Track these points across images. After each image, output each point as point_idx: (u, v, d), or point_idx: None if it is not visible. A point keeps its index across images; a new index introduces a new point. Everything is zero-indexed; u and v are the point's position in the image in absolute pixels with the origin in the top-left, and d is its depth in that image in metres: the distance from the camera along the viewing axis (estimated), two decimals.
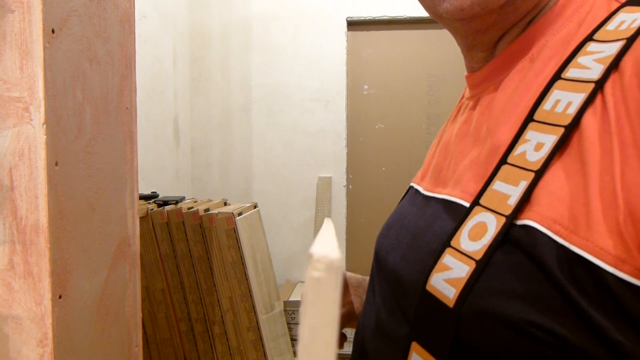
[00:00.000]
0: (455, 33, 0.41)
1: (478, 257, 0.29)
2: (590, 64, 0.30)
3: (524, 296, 0.27)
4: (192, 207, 1.44)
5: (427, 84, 2.43)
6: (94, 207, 0.61)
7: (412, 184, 0.49)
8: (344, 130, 2.44)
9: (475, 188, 0.34)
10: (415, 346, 0.32)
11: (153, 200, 1.54)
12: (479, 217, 0.31)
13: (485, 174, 0.33)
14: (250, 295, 1.41)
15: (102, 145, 0.63)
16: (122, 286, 0.70)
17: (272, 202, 2.48)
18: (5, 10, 0.49)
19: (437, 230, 0.35)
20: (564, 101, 0.30)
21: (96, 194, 0.62)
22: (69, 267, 0.56)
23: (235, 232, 1.40)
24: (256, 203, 1.68)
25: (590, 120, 0.28)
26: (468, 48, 0.42)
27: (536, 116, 0.31)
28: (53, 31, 0.51)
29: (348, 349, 0.57)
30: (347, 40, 2.42)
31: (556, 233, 0.27)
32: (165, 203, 1.50)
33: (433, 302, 0.31)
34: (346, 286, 0.58)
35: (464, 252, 0.30)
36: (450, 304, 0.30)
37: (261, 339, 1.43)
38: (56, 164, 0.53)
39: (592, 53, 0.30)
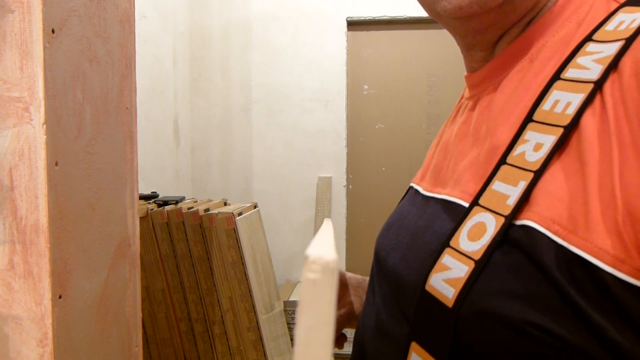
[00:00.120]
0: (454, 32, 0.41)
1: (477, 257, 0.29)
2: (590, 64, 0.30)
3: (523, 296, 0.27)
4: (192, 207, 1.44)
5: (427, 84, 2.44)
6: (94, 207, 0.61)
7: (411, 184, 0.49)
8: (344, 130, 2.44)
9: (475, 188, 0.34)
10: (414, 346, 0.32)
11: (153, 200, 1.54)
12: (478, 217, 0.31)
13: (484, 174, 0.33)
14: (250, 295, 1.42)
15: (102, 145, 0.63)
16: (122, 286, 0.71)
17: (272, 202, 2.48)
18: (5, 10, 0.49)
19: (436, 230, 0.35)
20: (563, 101, 0.30)
21: (96, 194, 0.62)
22: (69, 267, 0.56)
23: (235, 232, 1.40)
24: (256, 203, 1.69)
25: (589, 120, 0.28)
26: (467, 48, 0.42)
27: (535, 116, 0.31)
28: (53, 31, 0.51)
29: (348, 349, 0.57)
30: (347, 40, 2.42)
31: (555, 233, 0.27)
32: (165, 203, 1.50)
33: (432, 302, 0.31)
34: (346, 287, 0.58)
35: (463, 252, 0.30)
36: (450, 304, 0.30)
37: (261, 339, 1.43)
38: (56, 164, 0.53)
39: (591, 53, 0.30)
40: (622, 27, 0.30)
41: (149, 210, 1.42)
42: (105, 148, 0.64)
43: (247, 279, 1.41)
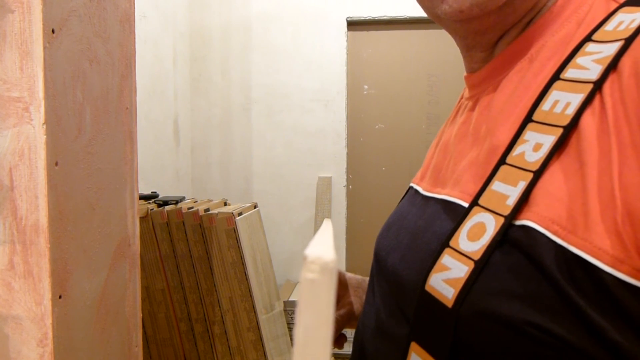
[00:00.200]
0: (454, 34, 0.41)
1: (477, 257, 0.29)
2: (589, 64, 0.30)
3: (523, 296, 0.27)
4: (192, 207, 1.44)
5: (427, 84, 2.44)
6: (94, 207, 0.61)
7: (411, 184, 0.49)
8: (344, 130, 2.44)
9: (474, 188, 0.34)
10: (414, 346, 0.32)
11: (153, 200, 1.54)
12: (477, 217, 0.31)
13: (484, 175, 0.33)
14: (250, 295, 1.42)
15: (102, 145, 0.63)
16: (122, 286, 0.71)
17: (272, 202, 2.48)
18: (5, 10, 0.49)
19: (436, 231, 0.35)
20: (563, 102, 0.30)
21: (96, 194, 0.62)
22: (69, 267, 0.56)
23: (235, 232, 1.40)
24: (256, 203, 1.69)
25: (588, 120, 0.28)
26: (467, 49, 0.42)
27: (535, 116, 0.31)
28: (53, 31, 0.51)
29: (348, 349, 0.57)
30: (347, 40, 2.42)
31: (554, 233, 0.27)
32: (165, 203, 1.50)
33: (432, 302, 0.31)
34: (346, 287, 0.58)
35: (462, 252, 0.30)
36: (449, 304, 0.30)
37: (261, 339, 1.43)
38: (56, 164, 0.53)
39: (590, 53, 0.30)
40: (622, 27, 0.30)
41: (149, 210, 1.42)
42: (105, 148, 0.64)
43: (247, 279, 1.41)
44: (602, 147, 0.27)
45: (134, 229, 0.74)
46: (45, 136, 0.50)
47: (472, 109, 0.41)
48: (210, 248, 1.41)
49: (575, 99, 0.29)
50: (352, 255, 2.52)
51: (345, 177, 2.45)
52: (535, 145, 0.30)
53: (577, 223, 0.26)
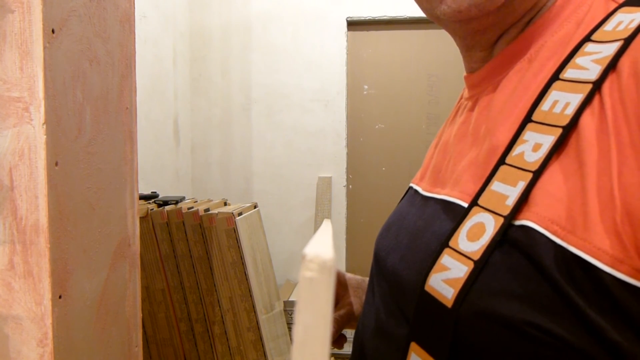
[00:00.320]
0: (453, 34, 0.41)
1: (476, 257, 0.29)
2: (588, 64, 0.30)
3: (522, 296, 0.27)
4: (192, 207, 1.44)
5: (427, 84, 2.44)
6: (94, 207, 0.61)
7: (411, 184, 0.49)
8: (344, 130, 2.44)
9: (474, 188, 0.34)
10: (414, 346, 0.32)
11: (153, 200, 1.54)
12: (477, 217, 0.31)
13: (483, 175, 0.33)
14: (250, 295, 1.42)
15: (102, 145, 0.63)
16: (122, 286, 0.71)
17: (272, 202, 2.48)
18: (5, 10, 0.49)
19: (435, 231, 0.35)
20: (562, 102, 0.30)
21: (96, 194, 0.62)
22: (69, 267, 0.56)
23: (235, 232, 1.40)
24: (256, 203, 1.69)
25: (588, 120, 0.28)
26: (467, 48, 0.42)
27: (534, 117, 0.31)
28: (53, 31, 0.51)
29: (348, 349, 0.57)
30: (347, 40, 2.42)
31: (554, 233, 0.27)
32: (165, 203, 1.50)
33: (431, 302, 0.31)
34: (346, 287, 0.58)
35: (462, 252, 0.30)
36: (449, 304, 0.30)
37: (261, 339, 1.43)
38: (56, 164, 0.53)
39: (590, 54, 0.30)
40: (621, 27, 0.30)
41: (149, 210, 1.42)
42: (105, 148, 0.64)
43: (247, 279, 1.41)
44: (602, 147, 0.27)
45: (134, 229, 0.74)
46: (45, 136, 0.51)
47: (472, 109, 0.41)
48: (210, 248, 1.41)
49: (575, 99, 0.29)
50: (352, 255, 2.52)
51: (345, 177, 2.45)
52: (534, 145, 0.30)
53: (577, 223, 0.26)
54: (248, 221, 1.52)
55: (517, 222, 0.29)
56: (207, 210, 1.43)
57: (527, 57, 0.36)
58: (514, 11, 0.36)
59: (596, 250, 0.25)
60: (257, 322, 1.43)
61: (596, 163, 0.27)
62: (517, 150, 0.31)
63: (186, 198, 1.67)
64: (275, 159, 2.48)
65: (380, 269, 0.42)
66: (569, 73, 0.31)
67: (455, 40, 0.42)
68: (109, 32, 0.65)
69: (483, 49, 0.40)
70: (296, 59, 2.44)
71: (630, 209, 0.25)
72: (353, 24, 2.45)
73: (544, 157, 0.29)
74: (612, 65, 0.28)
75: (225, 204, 1.68)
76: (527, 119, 0.32)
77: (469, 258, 0.30)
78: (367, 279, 0.51)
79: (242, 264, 1.41)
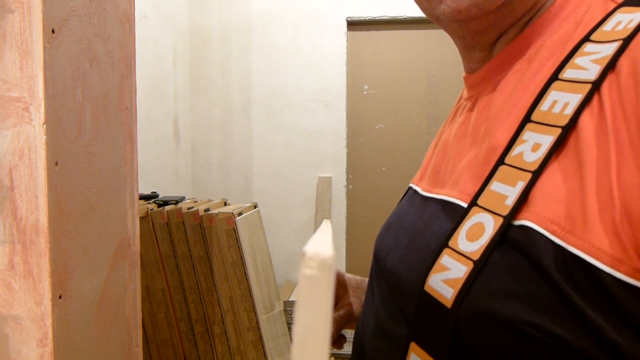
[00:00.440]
0: (452, 34, 0.41)
1: (476, 257, 0.29)
2: (587, 64, 0.30)
3: (522, 296, 0.27)
4: (192, 207, 1.44)
5: (427, 84, 2.44)
6: (94, 207, 0.62)
7: (410, 184, 0.49)
8: (344, 130, 2.44)
9: (473, 189, 0.34)
10: (413, 346, 0.32)
11: (153, 200, 1.54)
12: (476, 217, 0.31)
13: (482, 175, 0.33)
14: (250, 295, 1.42)
15: (102, 145, 0.63)
16: (122, 286, 0.71)
17: (272, 202, 2.48)
18: (5, 10, 0.49)
19: (435, 231, 0.35)
20: (561, 102, 0.30)
21: (96, 194, 0.62)
22: (69, 267, 0.56)
23: (235, 232, 1.40)
24: (256, 203, 1.69)
25: (587, 120, 0.28)
26: (466, 49, 0.42)
27: (533, 117, 0.31)
28: (53, 31, 0.52)
29: (348, 349, 0.57)
30: (347, 40, 2.42)
31: (553, 233, 0.27)
32: (165, 203, 1.50)
33: (431, 302, 0.31)
34: (345, 287, 0.58)
35: (461, 252, 0.30)
36: (448, 305, 0.30)
37: (261, 339, 1.43)
38: (56, 164, 0.53)
39: (589, 54, 0.30)
40: (620, 27, 0.30)
41: (149, 210, 1.42)
42: (105, 148, 0.64)
43: (247, 279, 1.41)
44: (601, 147, 0.27)
45: (134, 229, 0.74)
46: (45, 136, 0.51)
47: (471, 109, 0.41)
48: (210, 248, 1.41)
49: (574, 99, 0.29)
50: (352, 255, 2.52)
51: (345, 177, 2.45)
52: (533, 145, 0.30)
53: (576, 223, 0.26)
54: (248, 221, 1.52)
55: (517, 222, 0.29)
56: (207, 210, 1.43)
57: (526, 57, 0.36)
58: (514, 11, 0.36)
59: (595, 250, 0.25)
60: (257, 322, 1.43)
61: (595, 163, 0.27)
62: (516, 150, 0.31)
63: (186, 198, 1.67)
64: (275, 159, 2.48)
65: (380, 269, 0.42)
66: (568, 73, 0.31)
67: (455, 41, 0.42)
68: (109, 32, 0.65)
69: (482, 49, 0.40)
70: (296, 59, 2.44)
71: (629, 209, 0.25)
72: (353, 24, 2.45)
73: (543, 157, 0.29)
74: (611, 65, 0.28)
75: (225, 204, 1.68)
76: (527, 119, 0.32)
77: (469, 258, 0.30)
78: (367, 279, 0.51)
79: (242, 264, 1.41)
